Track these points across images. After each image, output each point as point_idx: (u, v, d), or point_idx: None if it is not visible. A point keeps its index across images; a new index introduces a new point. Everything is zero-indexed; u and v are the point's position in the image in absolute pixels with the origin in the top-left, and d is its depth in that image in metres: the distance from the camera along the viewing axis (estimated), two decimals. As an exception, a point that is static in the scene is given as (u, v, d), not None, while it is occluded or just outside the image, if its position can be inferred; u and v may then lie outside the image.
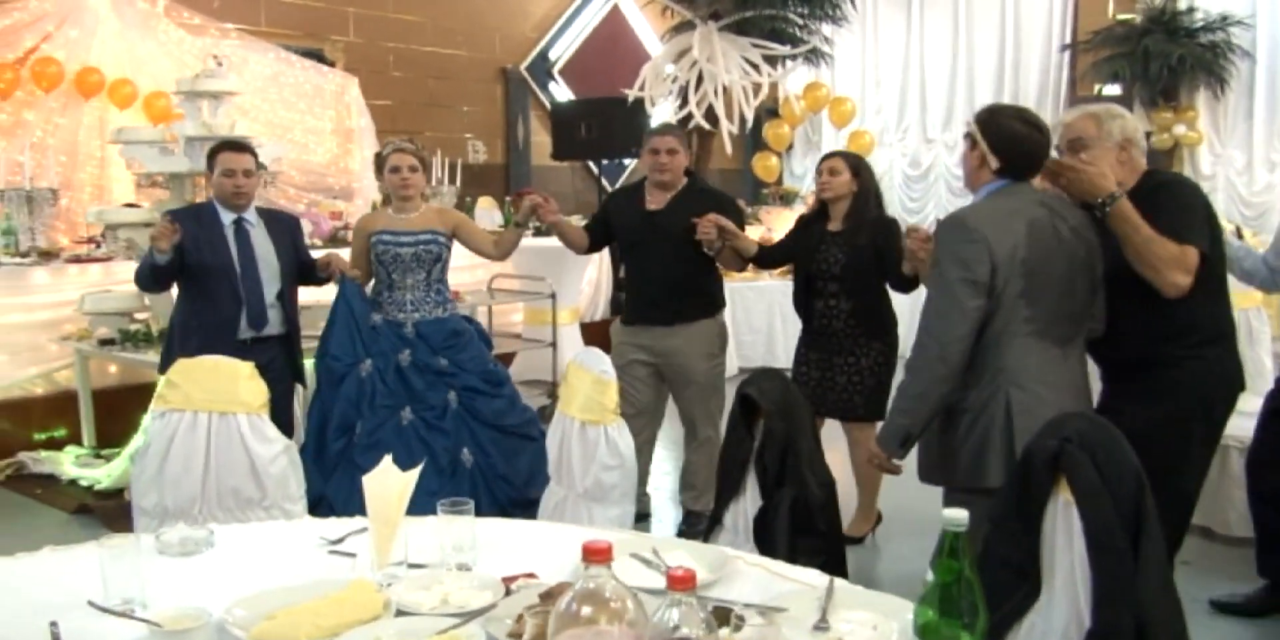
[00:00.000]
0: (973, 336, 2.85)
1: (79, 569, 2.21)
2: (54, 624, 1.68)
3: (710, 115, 8.30)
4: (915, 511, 4.15)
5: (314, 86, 9.21)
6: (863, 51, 12.56)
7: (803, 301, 4.62)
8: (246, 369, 2.96)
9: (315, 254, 4.88)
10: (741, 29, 8.53)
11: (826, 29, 9.37)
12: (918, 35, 12.29)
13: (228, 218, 4.52)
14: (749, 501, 2.75)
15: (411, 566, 2.22)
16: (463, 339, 4.71)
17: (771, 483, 2.65)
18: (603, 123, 9.35)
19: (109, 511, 5.07)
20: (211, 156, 4.54)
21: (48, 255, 6.28)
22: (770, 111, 11.28)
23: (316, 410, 4.60)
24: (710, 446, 4.61)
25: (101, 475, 5.53)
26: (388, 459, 2.18)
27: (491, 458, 4.58)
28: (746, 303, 8.42)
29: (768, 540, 2.64)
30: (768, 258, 4.77)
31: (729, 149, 8.47)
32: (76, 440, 6.18)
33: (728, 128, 8.08)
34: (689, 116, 8.32)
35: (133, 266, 5.65)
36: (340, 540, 2.46)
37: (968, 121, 3.04)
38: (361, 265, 4.72)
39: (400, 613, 2.01)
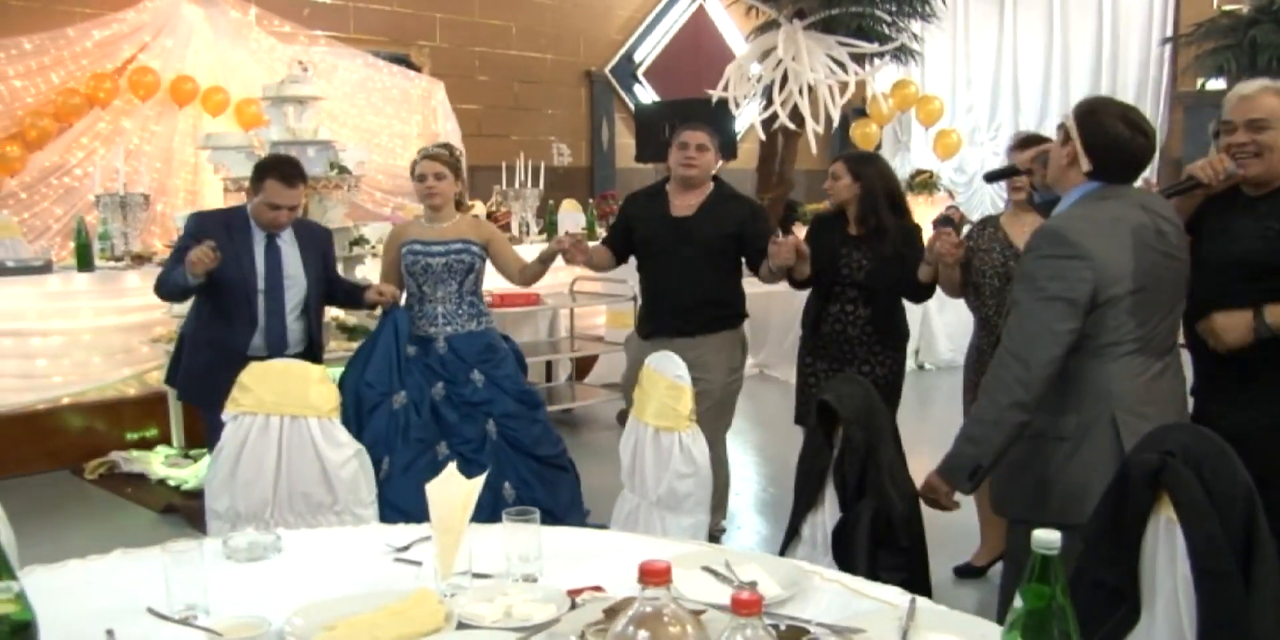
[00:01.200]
0: (1062, 360, 2.57)
1: (144, 573, 2.19)
2: (110, 632, 1.66)
3: (795, 115, 8.18)
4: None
5: (401, 91, 9.30)
6: (953, 48, 12.35)
7: (815, 307, 4.34)
8: (318, 372, 2.94)
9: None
10: (828, 27, 8.41)
11: (915, 26, 9.19)
12: (1010, 31, 12.05)
13: (259, 233, 4.30)
14: (827, 514, 2.65)
15: (476, 576, 2.17)
16: (498, 355, 4.50)
17: (851, 494, 2.54)
18: (686, 123, 9.26)
19: (194, 511, 5.09)
20: (260, 177, 4.25)
21: (141, 259, 6.40)
22: (857, 111, 11.12)
23: None
24: (719, 466, 4.31)
25: (188, 475, 5.61)
26: (452, 466, 2.12)
27: (535, 491, 4.36)
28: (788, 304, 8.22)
29: (847, 554, 2.53)
30: (809, 275, 4.40)
31: (814, 149, 8.35)
32: (166, 440, 6.29)
33: (813, 127, 7.95)
34: (774, 117, 8.21)
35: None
36: (406, 548, 2.41)
37: (1065, 114, 2.76)
38: (393, 278, 4.56)
39: (461, 625, 1.95)
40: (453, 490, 2.11)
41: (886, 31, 8.80)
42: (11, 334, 5.93)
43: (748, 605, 1.34)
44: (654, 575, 1.32)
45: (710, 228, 4.36)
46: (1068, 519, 2.50)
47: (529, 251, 4.94)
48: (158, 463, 5.94)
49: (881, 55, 8.59)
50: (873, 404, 2.65)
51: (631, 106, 11.17)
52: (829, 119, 8.26)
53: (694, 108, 9.40)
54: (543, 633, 1.90)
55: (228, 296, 4.22)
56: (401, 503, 3.92)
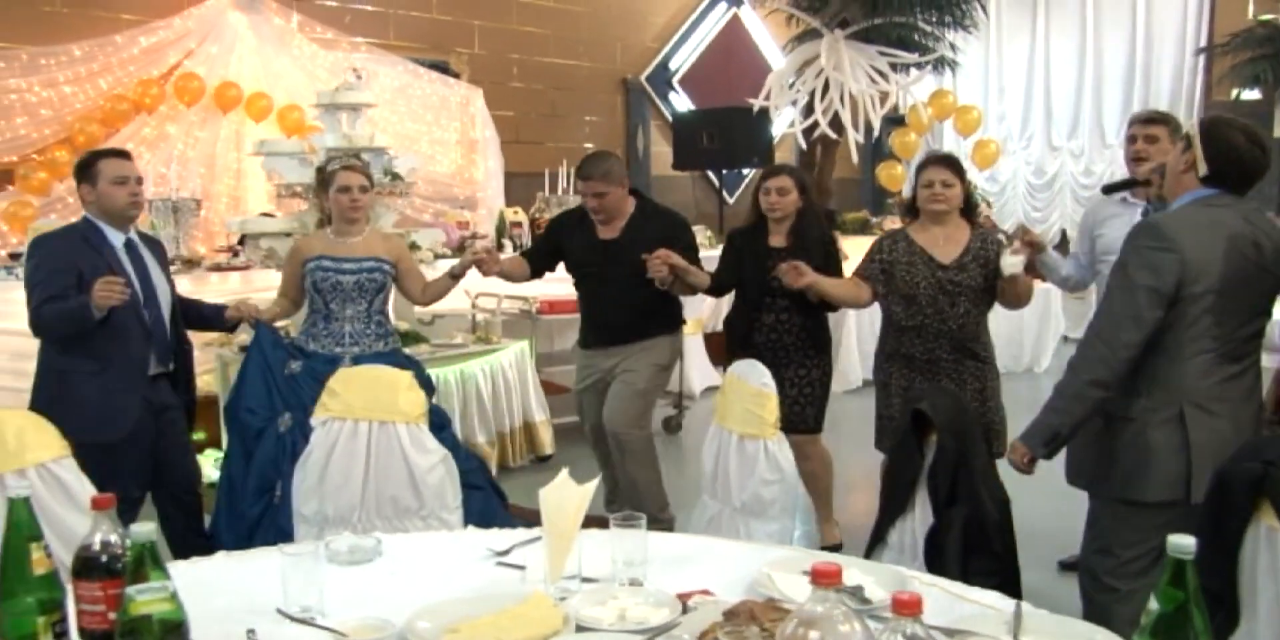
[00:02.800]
0: (1143, 345, 2.74)
1: (255, 575, 2.23)
2: (251, 632, 1.69)
3: (836, 124, 8.21)
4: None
5: (440, 98, 9.36)
6: (986, 58, 12.35)
7: (744, 318, 4.51)
8: (406, 379, 2.98)
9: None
10: (868, 37, 8.44)
11: (953, 36, 9.23)
12: (1043, 40, 12.06)
13: (118, 239, 3.84)
14: (917, 520, 2.67)
15: (583, 581, 2.20)
16: None
17: (943, 501, 2.57)
18: (724, 132, 9.35)
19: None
20: (92, 163, 3.84)
21: (190, 263, 6.46)
22: (892, 120, 11.15)
23: (225, 471, 4.15)
24: (632, 452, 4.54)
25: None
26: (564, 472, 2.15)
27: None
28: (869, 311, 8.22)
29: (939, 560, 2.55)
30: (721, 285, 4.61)
31: (855, 158, 8.38)
32: (215, 444, 6.32)
33: (855, 137, 7.98)
34: (814, 125, 8.24)
35: (272, 275, 5.74)
36: (507, 552, 2.44)
37: (1190, 123, 2.92)
38: (292, 293, 4.38)
39: (580, 628, 1.98)
40: (565, 496, 2.15)
41: (925, 42, 8.83)
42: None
43: (909, 605, 1.37)
44: (826, 577, 1.35)
45: (636, 248, 4.39)
46: (1128, 495, 2.83)
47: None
48: (208, 466, 5.97)
49: (921, 65, 8.63)
50: (964, 413, 2.69)
51: (667, 114, 11.21)
52: (869, 128, 8.29)
53: (732, 116, 9.47)
54: (664, 634, 1.93)
55: (115, 316, 3.71)
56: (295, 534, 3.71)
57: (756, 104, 8.53)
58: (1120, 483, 2.83)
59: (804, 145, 8.82)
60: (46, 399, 3.81)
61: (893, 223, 9.15)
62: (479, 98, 9.53)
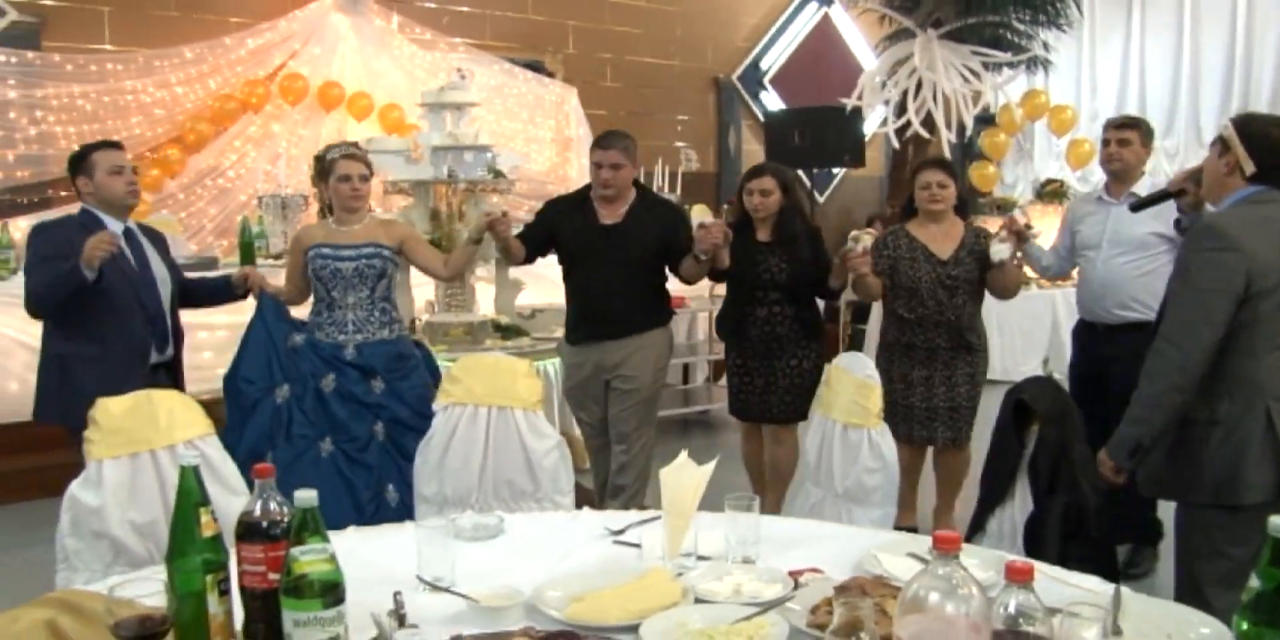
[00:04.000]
0: (1217, 346, 2.72)
1: (390, 548, 2.37)
2: (398, 593, 1.82)
3: (928, 123, 8.23)
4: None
5: (535, 97, 9.54)
6: (1078, 56, 12.17)
7: (736, 312, 4.60)
8: (524, 367, 3.10)
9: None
10: (961, 36, 8.44)
11: (1045, 35, 9.18)
12: (1138, 38, 11.85)
13: (117, 227, 3.88)
14: (1017, 508, 2.74)
15: (699, 558, 2.30)
16: (407, 365, 4.29)
17: (1043, 489, 2.63)
18: (816, 131, 9.39)
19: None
20: (85, 156, 3.92)
21: (297, 258, 6.67)
22: (982, 120, 11.10)
23: (223, 442, 4.15)
24: (629, 463, 4.55)
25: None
26: (684, 454, 2.26)
27: None
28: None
29: (1038, 546, 2.62)
30: (719, 274, 4.67)
31: (948, 157, 8.37)
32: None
33: (947, 136, 7.99)
34: (907, 124, 8.26)
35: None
36: (622, 531, 2.55)
37: (1223, 125, 2.92)
38: (296, 282, 4.35)
39: (698, 600, 2.08)
40: (686, 476, 2.25)
41: (1018, 41, 8.80)
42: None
43: (1021, 573, 1.46)
44: (947, 543, 1.44)
45: (638, 234, 4.41)
46: (1221, 500, 2.75)
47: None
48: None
49: (1015, 65, 8.60)
50: (1066, 403, 2.74)
51: (758, 113, 11.28)
52: (961, 127, 8.29)
53: (824, 115, 9.51)
54: (778, 607, 2.03)
55: (115, 300, 3.78)
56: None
57: (849, 103, 8.56)
58: (1212, 489, 2.76)
59: (896, 144, 8.82)
60: (49, 387, 3.87)
61: (985, 222, 9.14)
62: (573, 97, 9.70)
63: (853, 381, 3.05)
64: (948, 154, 8.16)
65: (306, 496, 1.74)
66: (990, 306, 4.78)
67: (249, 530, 1.84)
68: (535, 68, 9.74)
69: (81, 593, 2.02)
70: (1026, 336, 8.25)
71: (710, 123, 11.17)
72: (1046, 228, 5.76)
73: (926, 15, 8.45)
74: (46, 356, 3.90)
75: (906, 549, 2.37)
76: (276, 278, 4.56)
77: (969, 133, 8.67)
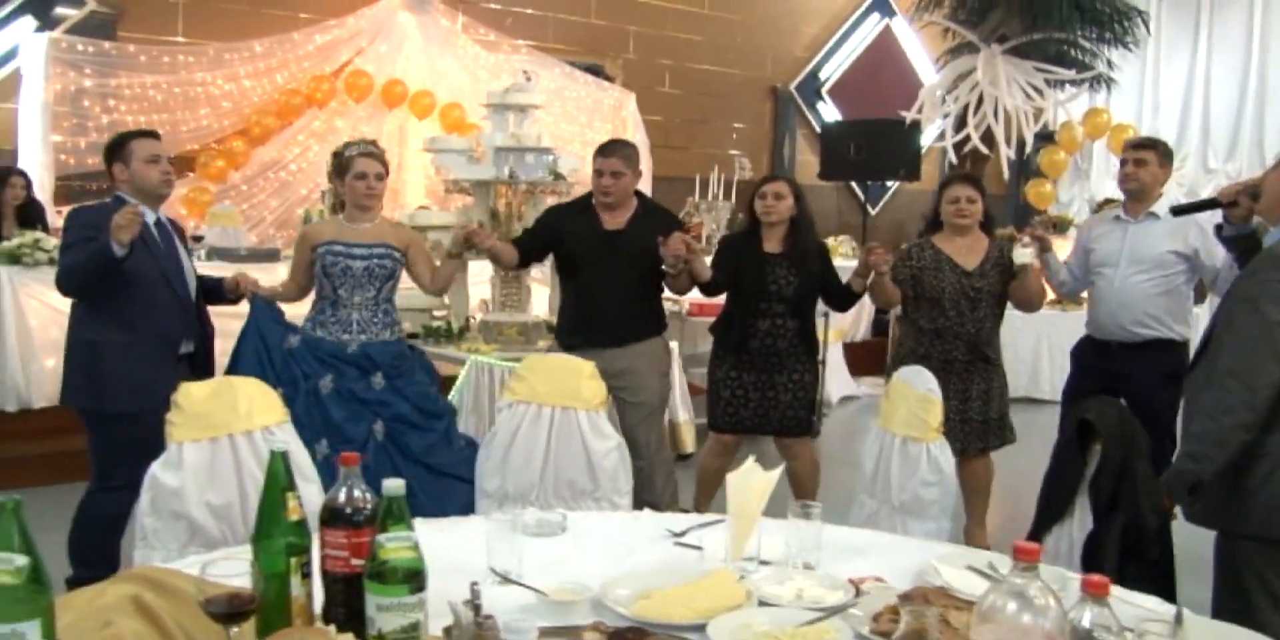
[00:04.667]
0: None
1: (460, 541, 2.41)
2: (475, 583, 1.86)
3: (987, 138, 8.21)
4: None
5: (594, 101, 9.61)
6: (1141, 75, 12.06)
7: (739, 322, 4.56)
8: (588, 368, 3.15)
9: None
10: (1024, 52, 8.42)
11: (1110, 53, 9.13)
12: (1204, 57, 11.75)
13: (149, 217, 3.86)
14: (1076, 525, 2.75)
15: (760, 562, 2.34)
16: (406, 363, 4.30)
17: (1103, 508, 2.64)
18: (872, 143, 9.40)
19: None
20: (122, 144, 3.91)
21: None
22: (1042, 137, 11.03)
23: None
24: (667, 454, 4.60)
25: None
26: (751, 459, 2.29)
27: (417, 498, 3.88)
28: (1014, 331, 8.23)
29: (1095, 564, 2.63)
30: (716, 285, 4.65)
31: (1006, 174, 8.37)
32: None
33: (1007, 153, 7.98)
34: (966, 139, 8.26)
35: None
36: (683, 533, 2.59)
37: None
38: (299, 278, 4.34)
39: (762, 603, 2.12)
40: (752, 481, 2.29)
41: (1082, 58, 8.76)
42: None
43: (1098, 587, 1.49)
44: (1027, 554, 1.46)
45: (641, 240, 4.40)
46: (1270, 532, 2.62)
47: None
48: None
49: (1079, 82, 8.56)
50: (1130, 423, 2.75)
51: (814, 123, 11.29)
52: (1021, 144, 8.27)
53: (881, 127, 9.52)
54: (840, 613, 2.06)
55: (146, 283, 3.78)
56: None
57: (909, 116, 8.56)
58: (1261, 520, 2.64)
59: (954, 159, 8.80)
60: (77, 371, 3.84)
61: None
62: (631, 102, 9.76)
63: (914, 395, 3.07)
64: (1006, 171, 8.14)
65: (394, 485, 1.79)
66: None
67: (333, 516, 1.89)
68: (595, 71, 9.81)
69: (166, 569, 2.08)
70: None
71: (766, 132, 11.21)
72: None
73: (991, 30, 8.42)
74: (74, 341, 3.86)
75: (966, 561, 2.39)
76: (272, 280, 4.57)
77: (1028, 149, 8.63)
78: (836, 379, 7.95)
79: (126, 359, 3.74)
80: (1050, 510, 2.81)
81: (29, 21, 7.53)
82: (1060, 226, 9.07)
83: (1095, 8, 8.33)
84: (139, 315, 3.77)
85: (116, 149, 3.88)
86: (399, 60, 8.66)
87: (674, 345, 6.07)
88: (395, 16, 8.63)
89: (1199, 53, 11.80)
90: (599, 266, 4.49)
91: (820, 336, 4.92)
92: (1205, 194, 11.71)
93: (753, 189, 4.69)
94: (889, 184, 11.33)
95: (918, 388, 3.07)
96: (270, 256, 6.59)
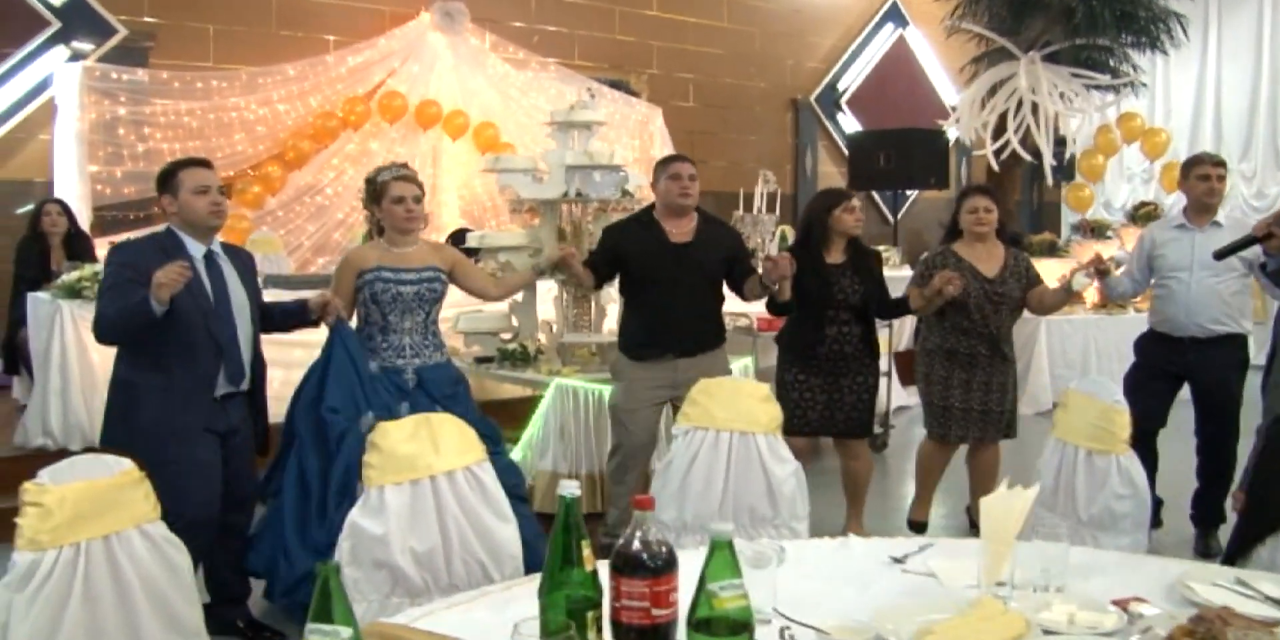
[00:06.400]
0: None
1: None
2: (786, 628, 1.79)
3: (1029, 146, 8.21)
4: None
5: (621, 117, 9.55)
6: (1153, 77, 12.09)
7: (808, 331, 4.70)
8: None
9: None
10: (1057, 59, 8.43)
11: (1139, 58, 9.16)
12: (1214, 59, 11.83)
13: (198, 251, 3.66)
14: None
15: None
16: (461, 389, 4.28)
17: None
18: (902, 152, 9.39)
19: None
20: (174, 173, 3.71)
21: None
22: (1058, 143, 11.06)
23: (296, 471, 3.92)
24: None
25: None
26: (1005, 483, 2.22)
27: None
28: (1063, 336, 8.24)
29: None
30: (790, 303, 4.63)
31: (1049, 181, 8.37)
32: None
33: (1049, 160, 7.97)
34: (1005, 145, 8.25)
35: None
36: (903, 559, 2.52)
37: None
38: (344, 306, 4.17)
39: (1047, 631, 2.05)
40: (1010, 505, 2.22)
41: (1114, 64, 8.79)
42: (298, 345, 6.18)
43: None
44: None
45: (708, 251, 4.49)
46: None
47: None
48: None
49: (1118, 88, 8.59)
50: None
51: (835, 134, 11.28)
52: (1062, 150, 8.28)
53: (910, 137, 9.51)
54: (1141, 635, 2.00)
55: (184, 328, 3.56)
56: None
57: (947, 125, 8.56)
58: None
59: (995, 166, 8.77)
60: (115, 413, 3.67)
61: (1078, 246, 9.12)
62: (658, 117, 9.72)
63: (1097, 407, 3.01)
64: (1049, 179, 8.15)
65: (724, 530, 1.71)
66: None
67: (629, 563, 1.79)
68: (620, 87, 9.77)
69: (400, 626, 2.00)
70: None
71: (787, 143, 11.19)
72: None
73: (1034, 38, 8.42)
74: (115, 381, 3.69)
75: (1210, 578, 2.34)
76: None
77: (1071, 155, 8.65)
78: (891, 388, 7.88)
79: (157, 403, 3.57)
80: (1263, 520, 2.73)
81: (62, 51, 7.42)
82: (1098, 230, 9.10)
83: (1134, 13, 8.34)
84: (174, 359, 3.58)
85: (166, 179, 3.71)
86: (431, 80, 8.58)
87: (748, 361, 6.06)
88: (426, 36, 8.56)
89: (1209, 54, 11.88)
90: (669, 279, 4.49)
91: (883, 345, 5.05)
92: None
93: (823, 204, 4.80)
94: (908, 193, 11.32)
95: (1103, 399, 3.01)
96: (324, 283, 6.46)
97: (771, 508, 3.03)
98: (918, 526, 5.12)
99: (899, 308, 4.90)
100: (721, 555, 1.70)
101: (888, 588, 2.34)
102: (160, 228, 3.79)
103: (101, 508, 2.26)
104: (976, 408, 4.82)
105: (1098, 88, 8.55)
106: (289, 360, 4.86)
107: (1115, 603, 2.18)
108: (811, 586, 2.35)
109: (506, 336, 6.09)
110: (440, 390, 4.15)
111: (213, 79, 7.71)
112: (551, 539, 1.83)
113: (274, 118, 7.94)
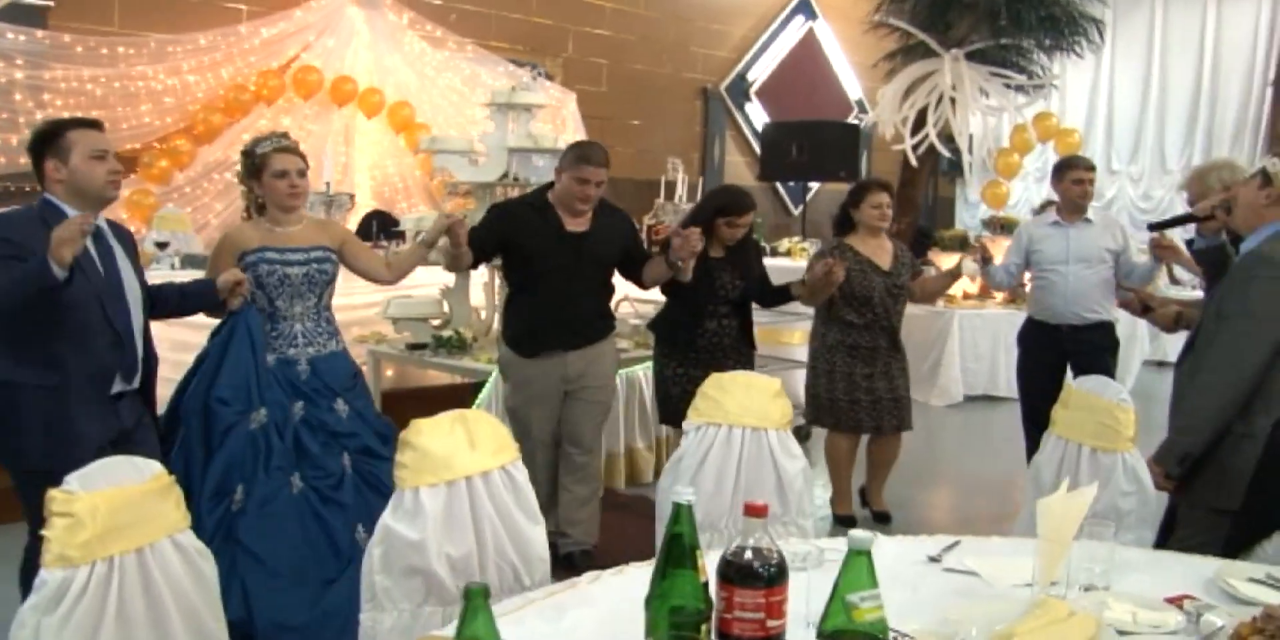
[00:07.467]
0: (1268, 367, 2.89)
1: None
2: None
3: (946, 141, 8.34)
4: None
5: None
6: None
7: (685, 324, 4.72)
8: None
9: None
10: (978, 57, 8.59)
11: (1044, 59, 9.38)
12: (1108, 65, 12.21)
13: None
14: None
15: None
16: (360, 381, 4.00)
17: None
18: (815, 145, 9.45)
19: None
20: (59, 132, 3.20)
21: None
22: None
23: (180, 467, 3.48)
24: (591, 471, 4.59)
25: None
26: (1065, 485, 2.22)
27: None
28: (974, 329, 8.40)
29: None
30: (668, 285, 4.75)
31: (968, 176, 8.51)
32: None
33: (968, 158, 8.12)
34: (924, 140, 8.37)
35: (419, 273, 5.34)
36: (938, 558, 2.51)
37: (1272, 161, 3.05)
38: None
39: (1121, 632, 2.05)
40: (1068, 506, 2.22)
41: (1026, 64, 8.99)
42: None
43: None
44: None
45: (605, 242, 4.39)
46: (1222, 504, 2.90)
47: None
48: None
49: (1037, 88, 8.79)
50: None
51: (743, 124, 11.31)
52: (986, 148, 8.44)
53: (823, 129, 9.58)
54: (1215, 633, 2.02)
55: (79, 314, 3.14)
56: (255, 544, 3.45)
57: (868, 119, 8.65)
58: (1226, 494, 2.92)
59: (914, 162, 8.89)
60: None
61: (989, 241, 9.29)
62: (572, 102, 9.58)
63: (1102, 405, 3.04)
64: (967, 176, 8.30)
65: (864, 538, 1.66)
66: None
67: (742, 573, 1.73)
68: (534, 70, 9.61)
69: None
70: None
71: (696, 132, 11.17)
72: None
73: (960, 36, 8.55)
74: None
75: (1244, 574, 2.38)
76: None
77: (992, 154, 8.83)
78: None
79: (46, 408, 3.12)
80: (1267, 516, 2.79)
81: (-48, 9, 6.97)
82: (1008, 227, 9.31)
83: (1056, 15, 8.53)
84: (69, 353, 3.13)
85: (50, 140, 3.19)
86: (347, 56, 8.29)
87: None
88: (344, 10, 8.25)
89: (1103, 60, 12.24)
90: (564, 269, 4.31)
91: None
92: (1109, 194, 12.27)
93: (715, 207, 4.68)
94: (811, 185, 11.42)
95: (1108, 397, 3.04)
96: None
97: (782, 505, 2.98)
98: (845, 520, 5.24)
99: (779, 296, 4.88)
100: (859, 563, 1.65)
101: (939, 588, 2.33)
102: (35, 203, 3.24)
103: (134, 517, 2.05)
104: (886, 396, 5.05)
105: (1017, 88, 8.74)
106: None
107: (1169, 600, 2.20)
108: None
109: (437, 322, 5.95)
110: (339, 382, 3.85)
111: (119, 45, 7.30)
112: (665, 548, 1.75)
113: (183, 89, 7.55)
